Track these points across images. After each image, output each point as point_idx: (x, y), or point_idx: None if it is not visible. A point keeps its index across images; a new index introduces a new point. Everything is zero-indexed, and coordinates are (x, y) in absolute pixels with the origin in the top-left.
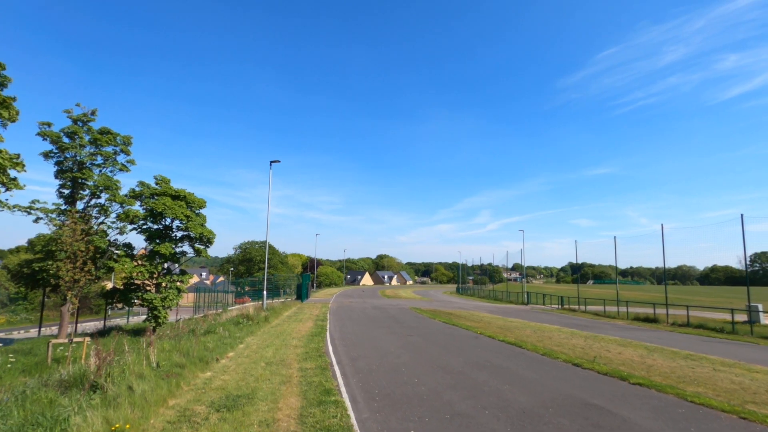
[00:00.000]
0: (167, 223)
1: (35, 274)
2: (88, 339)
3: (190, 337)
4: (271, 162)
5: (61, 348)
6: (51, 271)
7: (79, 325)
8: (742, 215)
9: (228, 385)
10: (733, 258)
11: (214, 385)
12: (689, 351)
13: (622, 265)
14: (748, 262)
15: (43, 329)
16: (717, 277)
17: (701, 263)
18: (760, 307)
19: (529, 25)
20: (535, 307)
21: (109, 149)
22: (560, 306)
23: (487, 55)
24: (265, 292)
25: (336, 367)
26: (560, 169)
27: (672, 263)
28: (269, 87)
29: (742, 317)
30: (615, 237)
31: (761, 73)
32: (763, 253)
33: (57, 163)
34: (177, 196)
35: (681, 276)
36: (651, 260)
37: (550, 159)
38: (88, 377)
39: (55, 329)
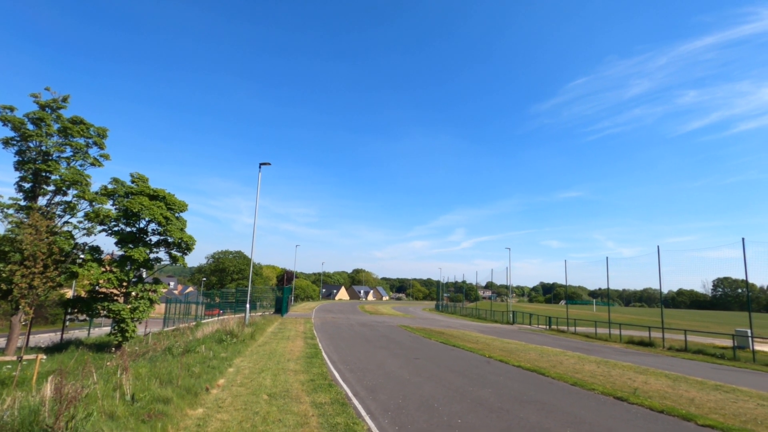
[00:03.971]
0: (142, 225)
1: None
2: (42, 356)
3: (167, 356)
4: (261, 164)
5: (8, 366)
6: (2, 275)
7: (32, 337)
8: (743, 239)
9: (230, 430)
10: (698, 282)
11: (210, 429)
12: (715, 381)
13: (591, 286)
14: (711, 287)
15: None
16: (682, 300)
17: (665, 287)
18: (749, 332)
19: (504, 53)
20: (522, 327)
21: (81, 140)
22: (548, 327)
23: (464, 78)
24: (248, 306)
25: (355, 401)
26: (532, 190)
27: (638, 286)
28: (246, 97)
29: (727, 342)
30: (607, 258)
31: (717, 110)
32: (726, 278)
33: (18, 153)
34: (155, 196)
35: (647, 298)
36: (616, 282)
37: (523, 180)
38: (41, 421)
39: (1, 341)
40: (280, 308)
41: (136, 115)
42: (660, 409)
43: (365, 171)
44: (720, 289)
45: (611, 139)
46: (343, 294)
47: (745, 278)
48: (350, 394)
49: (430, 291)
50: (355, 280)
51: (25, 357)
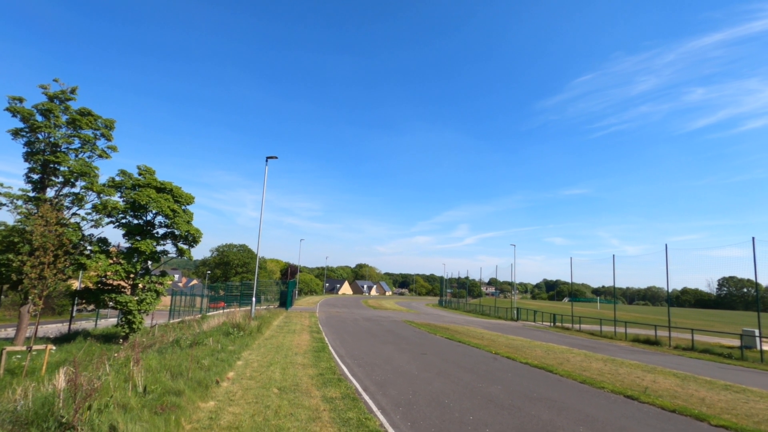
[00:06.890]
0: (149, 218)
1: None
2: (51, 347)
3: (176, 349)
4: (268, 158)
5: (18, 356)
6: (13, 265)
7: (40, 327)
8: (753, 238)
9: (242, 423)
10: (702, 281)
11: (223, 422)
12: (724, 381)
13: (595, 284)
14: (716, 286)
15: None
16: (687, 299)
17: (669, 285)
18: (756, 332)
19: (509, 49)
20: (527, 324)
21: (89, 132)
22: (552, 324)
23: (469, 73)
24: (254, 299)
25: (365, 396)
26: (537, 187)
27: (641, 284)
28: (251, 91)
29: (733, 341)
30: (614, 256)
31: (724, 108)
32: (731, 277)
33: (27, 144)
34: (162, 189)
35: (651, 297)
36: (620, 280)
37: (527, 177)
38: (56, 412)
39: (10, 331)
40: (285, 302)
41: (141, 107)
42: (672, 409)
43: (369, 166)
44: (725, 289)
45: (617, 136)
46: (346, 288)
47: (754, 277)
48: (360, 389)
49: (433, 286)
50: (359, 274)
51: (35, 347)
